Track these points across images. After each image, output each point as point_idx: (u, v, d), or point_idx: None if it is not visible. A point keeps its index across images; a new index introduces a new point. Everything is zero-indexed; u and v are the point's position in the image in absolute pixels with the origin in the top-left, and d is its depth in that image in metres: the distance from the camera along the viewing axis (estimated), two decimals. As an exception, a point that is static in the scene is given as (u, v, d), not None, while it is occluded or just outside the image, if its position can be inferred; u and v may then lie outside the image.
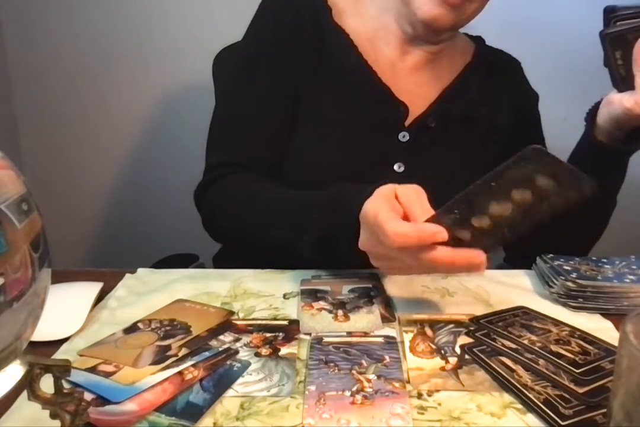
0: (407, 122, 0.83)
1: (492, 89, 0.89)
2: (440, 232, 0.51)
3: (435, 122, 0.83)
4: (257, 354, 0.54)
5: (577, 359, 0.52)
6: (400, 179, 0.79)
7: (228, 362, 0.52)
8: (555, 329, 0.58)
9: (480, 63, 0.90)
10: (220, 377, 0.50)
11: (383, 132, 0.82)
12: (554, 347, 0.54)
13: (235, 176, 0.81)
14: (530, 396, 0.48)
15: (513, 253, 0.93)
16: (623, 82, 0.70)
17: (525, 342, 0.55)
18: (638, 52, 0.66)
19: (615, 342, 0.55)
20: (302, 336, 0.58)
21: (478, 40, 0.93)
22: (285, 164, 0.83)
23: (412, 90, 0.85)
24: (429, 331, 0.58)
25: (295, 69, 0.82)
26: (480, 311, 0.63)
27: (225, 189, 0.81)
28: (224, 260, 0.89)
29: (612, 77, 0.71)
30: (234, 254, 0.88)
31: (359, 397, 0.47)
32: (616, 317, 0.62)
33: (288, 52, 0.82)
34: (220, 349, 0.55)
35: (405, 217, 0.55)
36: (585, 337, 0.57)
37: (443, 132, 0.84)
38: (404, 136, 0.82)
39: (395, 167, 0.82)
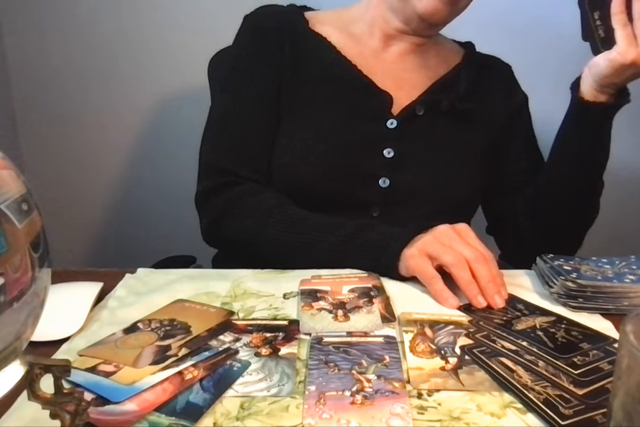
0: (397, 110, 0.87)
1: (482, 88, 0.93)
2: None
3: (423, 111, 0.88)
4: (257, 354, 0.54)
5: (575, 360, 0.53)
6: (390, 163, 0.86)
7: (228, 362, 0.52)
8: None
9: (470, 64, 0.95)
10: (220, 377, 0.50)
11: (371, 120, 0.87)
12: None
13: (254, 188, 0.84)
14: (530, 395, 0.48)
15: (512, 247, 0.97)
16: (603, 43, 0.75)
17: (525, 344, 0.55)
18: (616, 5, 0.72)
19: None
20: (302, 336, 0.58)
21: (468, 45, 0.99)
22: (278, 157, 0.86)
23: (399, 76, 0.90)
24: (428, 331, 0.58)
25: (276, 74, 0.87)
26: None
27: (246, 199, 0.83)
28: (224, 261, 0.89)
29: (593, 44, 0.76)
30: (233, 256, 0.88)
31: (359, 397, 0.47)
32: (616, 317, 0.62)
33: (268, 58, 0.87)
34: (220, 349, 0.55)
35: None
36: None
37: (431, 121, 0.88)
38: (391, 123, 0.87)
39: (385, 152, 0.86)
